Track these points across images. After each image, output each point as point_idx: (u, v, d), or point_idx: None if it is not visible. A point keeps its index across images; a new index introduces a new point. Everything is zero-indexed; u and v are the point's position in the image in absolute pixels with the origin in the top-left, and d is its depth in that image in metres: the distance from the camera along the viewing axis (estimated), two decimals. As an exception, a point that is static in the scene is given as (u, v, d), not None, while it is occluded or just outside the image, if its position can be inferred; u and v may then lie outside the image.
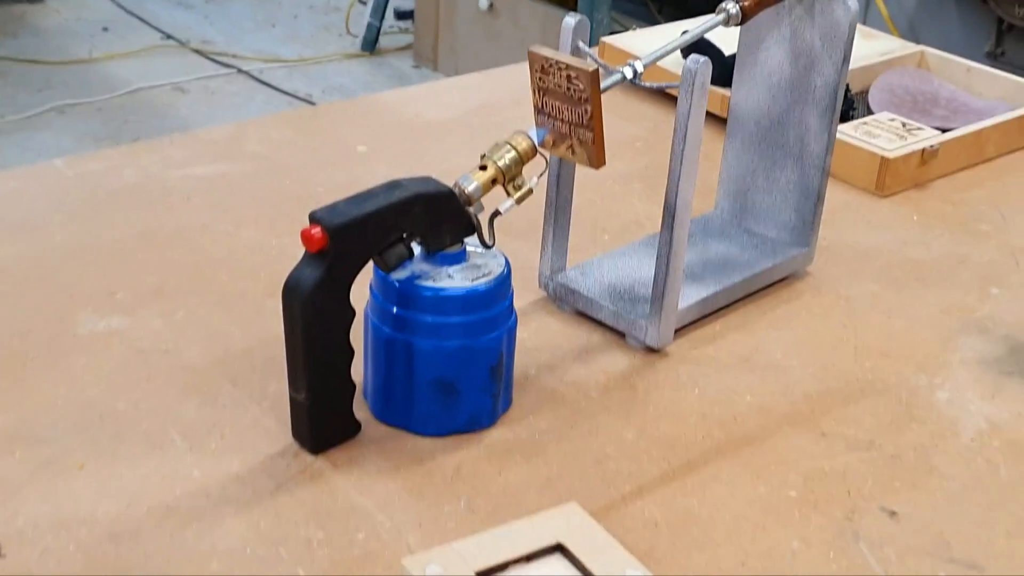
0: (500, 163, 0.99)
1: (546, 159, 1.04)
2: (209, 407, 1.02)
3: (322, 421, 0.96)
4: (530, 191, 1.02)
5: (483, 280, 0.97)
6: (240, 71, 4.64)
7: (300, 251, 0.92)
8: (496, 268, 0.99)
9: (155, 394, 1.03)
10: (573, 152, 1.03)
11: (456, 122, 1.58)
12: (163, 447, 0.97)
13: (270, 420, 1.00)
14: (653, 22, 4.07)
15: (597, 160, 1.02)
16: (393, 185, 0.95)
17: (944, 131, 1.48)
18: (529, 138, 1.01)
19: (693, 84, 1.02)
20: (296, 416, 0.97)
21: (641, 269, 1.20)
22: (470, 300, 0.97)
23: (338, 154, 1.47)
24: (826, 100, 1.19)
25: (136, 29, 4.92)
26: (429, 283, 0.96)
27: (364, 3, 5.02)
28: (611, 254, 1.23)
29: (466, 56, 4.49)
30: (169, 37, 4.89)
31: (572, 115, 1.01)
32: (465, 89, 1.69)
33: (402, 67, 4.78)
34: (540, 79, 1.02)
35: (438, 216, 0.96)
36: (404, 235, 0.95)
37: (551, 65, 1.00)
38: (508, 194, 1.01)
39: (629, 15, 4.29)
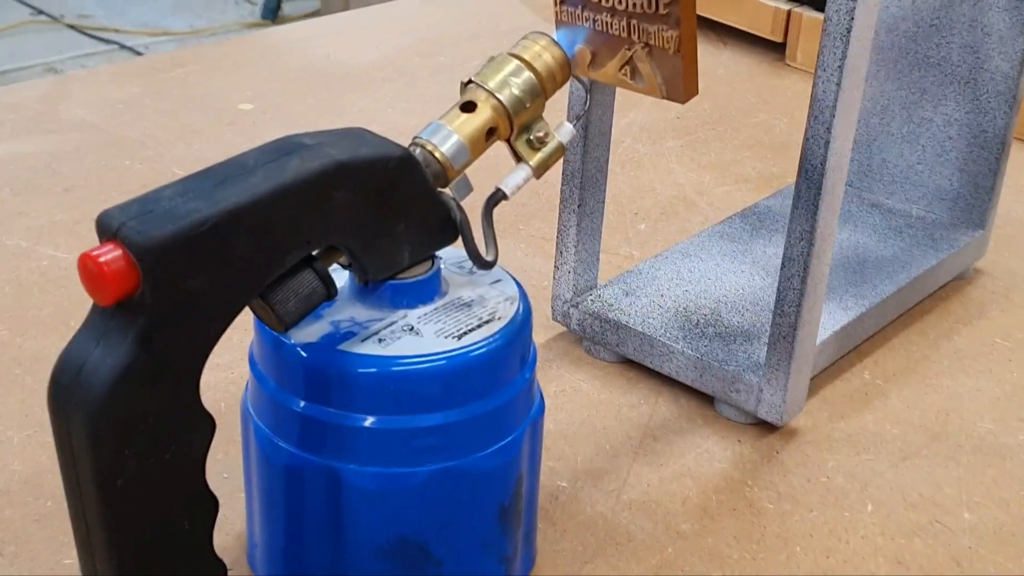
0: (502, 96, 0.49)
1: (585, 87, 0.55)
2: (-63, 613, 0.51)
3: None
4: (560, 149, 0.52)
5: (481, 334, 0.47)
6: (123, 47, 4.06)
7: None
8: (503, 306, 0.49)
9: None
10: (632, 73, 0.53)
11: (387, 65, 1.07)
12: None
13: (62, 635, 0.50)
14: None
15: (685, 84, 0.53)
16: (286, 147, 0.45)
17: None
18: (557, 46, 0.51)
19: (865, -72, 0.53)
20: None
21: (723, 280, 0.71)
22: (457, 380, 0.47)
23: (210, 117, 0.96)
24: (1023, -20, 0.71)
25: (1, 3, 4.32)
26: (371, 348, 0.46)
27: (263, -33, 4.46)
28: (665, 256, 0.73)
29: (382, 20, 3.96)
30: (40, 12, 4.28)
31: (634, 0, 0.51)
32: (395, 19, 1.18)
33: (309, 36, 4.24)
34: (568, -71, 0.52)
35: (384, 209, 0.46)
36: (314, 253, 0.45)
37: None
38: (518, 157, 0.51)
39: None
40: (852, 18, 0.54)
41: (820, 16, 1.05)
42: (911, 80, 0.76)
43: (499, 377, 0.48)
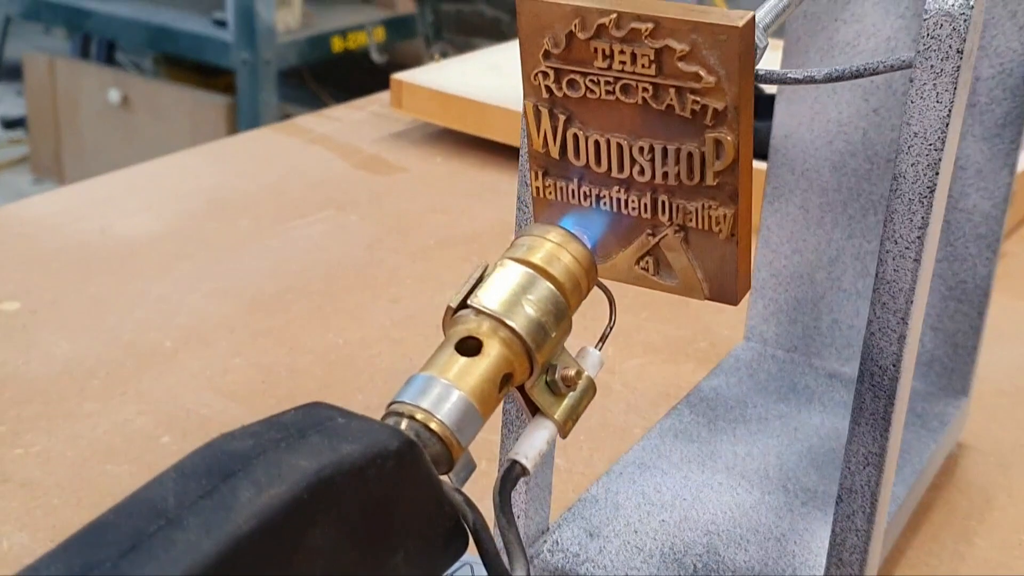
0: (516, 323, 0.33)
1: (609, 296, 0.38)
2: None
3: None
4: (592, 390, 0.36)
5: None
6: None
7: None
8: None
9: None
10: (657, 267, 0.38)
11: (177, 236, 0.88)
12: None
13: None
14: (321, 106, 3.42)
15: (740, 278, 0.37)
16: (221, 465, 0.26)
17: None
18: (576, 241, 0.35)
19: (952, 53, 0.39)
20: None
21: (701, 499, 0.55)
22: None
23: (-40, 322, 0.74)
24: (1003, 106, 0.59)
25: None
26: None
27: (-40, 115, 4.11)
28: (619, 473, 0.57)
29: (99, 161, 3.67)
30: None
31: (664, 165, 0.36)
32: (172, 178, 0.98)
33: (19, 184, 3.88)
34: (560, 66, 0.36)
35: (375, 536, 0.28)
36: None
37: (611, 21, 0.34)
38: (535, 408, 0.34)
39: (296, 101, 3.64)
40: (937, 173, 0.40)
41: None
42: (865, 226, 0.64)
43: None
